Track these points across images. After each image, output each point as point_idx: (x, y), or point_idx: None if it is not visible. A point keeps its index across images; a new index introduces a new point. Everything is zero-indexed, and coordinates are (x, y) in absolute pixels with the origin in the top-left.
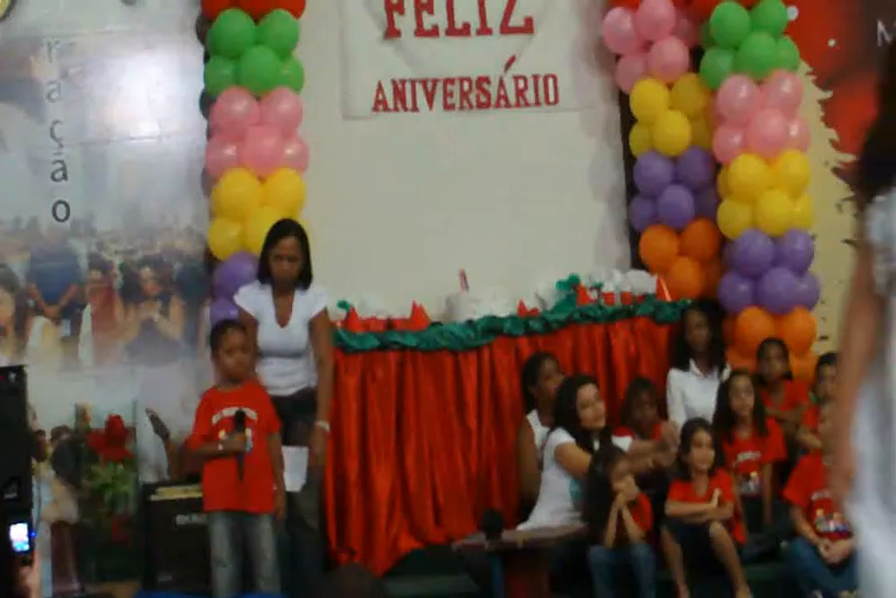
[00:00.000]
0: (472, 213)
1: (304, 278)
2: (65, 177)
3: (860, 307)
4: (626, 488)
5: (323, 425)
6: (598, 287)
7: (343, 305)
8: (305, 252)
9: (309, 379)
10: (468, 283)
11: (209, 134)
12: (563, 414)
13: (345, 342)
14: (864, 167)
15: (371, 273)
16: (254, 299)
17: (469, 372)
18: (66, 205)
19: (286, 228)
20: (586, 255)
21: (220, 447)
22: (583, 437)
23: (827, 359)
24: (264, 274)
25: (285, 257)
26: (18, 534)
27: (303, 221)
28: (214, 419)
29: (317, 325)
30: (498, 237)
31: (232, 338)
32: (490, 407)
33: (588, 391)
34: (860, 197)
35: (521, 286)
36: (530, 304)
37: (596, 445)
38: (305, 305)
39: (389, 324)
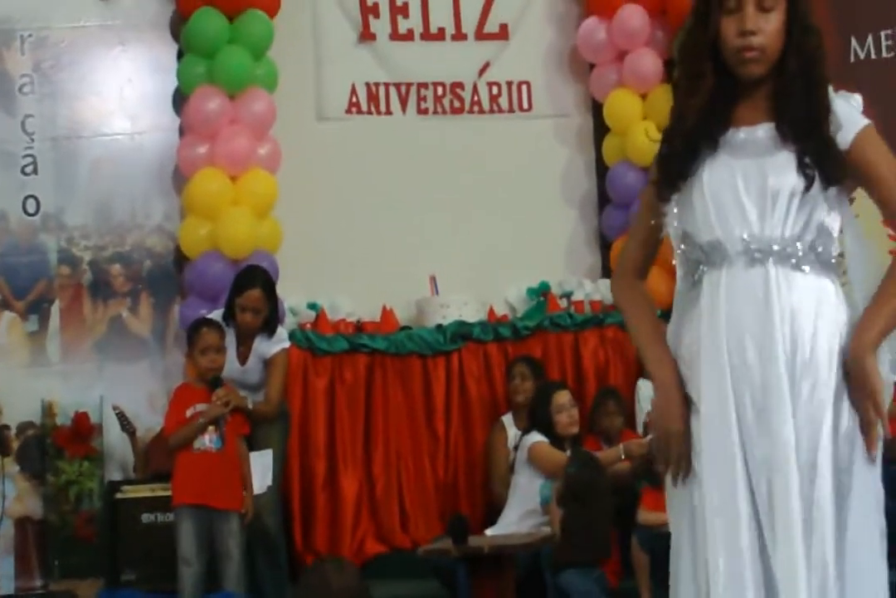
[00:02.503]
0: (444, 218)
1: (268, 329)
2: (35, 171)
3: (627, 286)
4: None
5: (248, 401)
6: (568, 295)
7: (313, 306)
8: (272, 302)
9: None
10: (438, 288)
11: (181, 132)
12: (537, 419)
13: (314, 344)
14: (661, 162)
15: (342, 275)
16: None
17: (438, 377)
18: (37, 199)
19: (252, 279)
20: (557, 263)
21: (202, 419)
22: (556, 442)
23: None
24: (228, 318)
25: (249, 309)
26: None
27: (274, 221)
28: (188, 413)
29: (271, 363)
30: (469, 243)
31: (207, 337)
32: (458, 412)
33: (562, 397)
34: (659, 193)
35: (491, 292)
36: (500, 310)
37: (568, 451)
38: (265, 345)
39: (359, 327)
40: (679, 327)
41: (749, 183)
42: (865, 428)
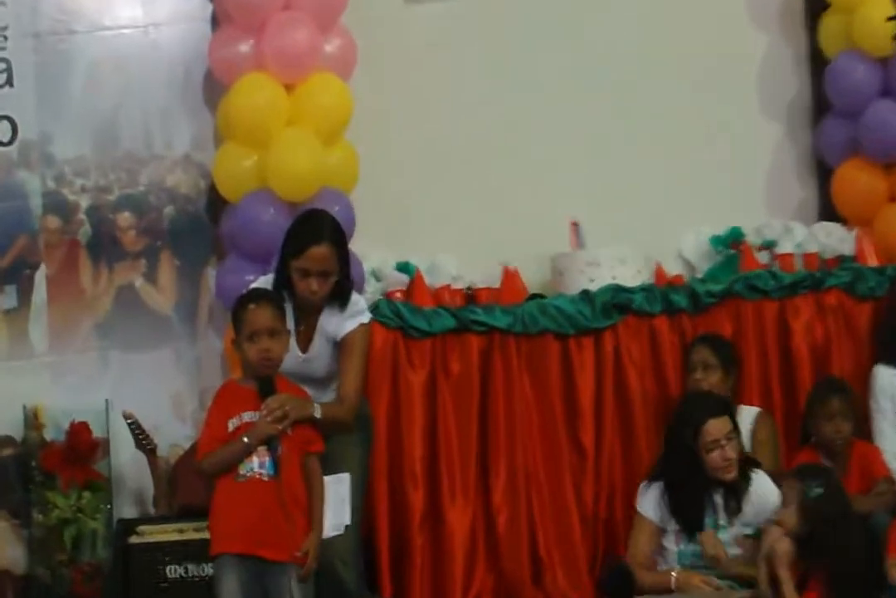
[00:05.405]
0: (589, 139)
1: (338, 299)
2: (9, 82)
3: None
4: (776, 542)
5: (315, 408)
6: (770, 246)
7: (404, 268)
8: (344, 262)
9: None
10: (583, 238)
11: (215, 22)
12: (676, 454)
13: (406, 322)
14: None
15: (444, 225)
16: None
17: (584, 366)
18: (12, 122)
19: (315, 231)
20: (753, 200)
21: (246, 439)
22: (700, 489)
23: None
24: (282, 286)
25: (313, 273)
26: None
27: (347, 146)
28: (231, 425)
29: (345, 347)
30: (625, 174)
31: (255, 318)
32: (614, 416)
33: (716, 428)
34: None
35: (658, 244)
36: (672, 269)
37: (718, 498)
38: (336, 321)
39: (470, 296)
40: None
41: None
42: None
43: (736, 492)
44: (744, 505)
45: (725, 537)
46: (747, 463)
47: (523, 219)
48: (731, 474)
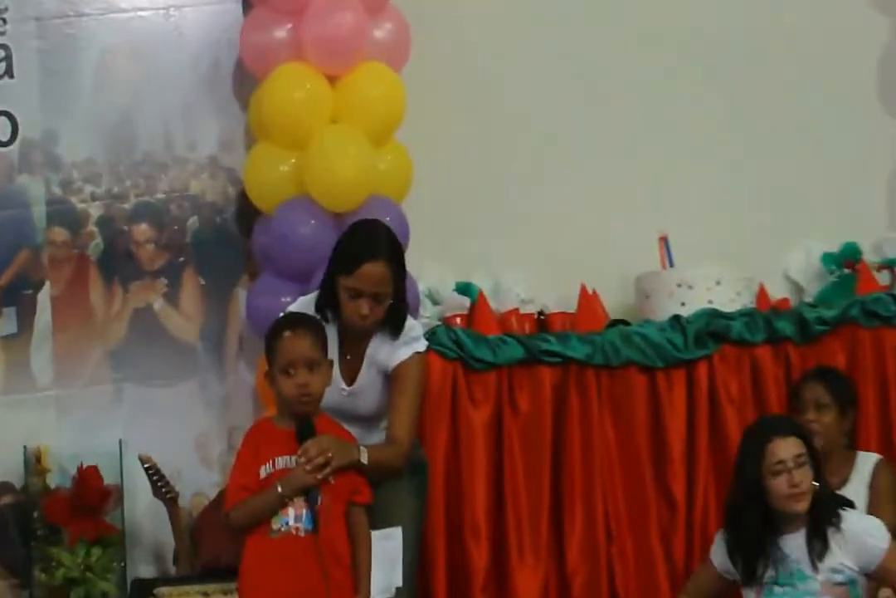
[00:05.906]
0: (680, 141)
1: (391, 324)
2: (9, 72)
3: None
4: None
5: (361, 451)
6: (890, 265)
7: (466, 289)
8: (400, 282)
9: None
10: (673, 256)
11: (247, 4)
12: (738, 484)
13: (467, 351)
14: None
15: (511, 239)
16: None
17: (674, 402)
18: (12, 118)
19: (369, 245)
20: (870, 211)
21: (280, 488)
22: (760, 524)
23: None
24: (327, 305)
25: (366, 294)
26: None
27: (400, 149)
28: (263, 472)
29: (398, 379)
30: (721, 181)
31: (291, 348)
32: (708, 460)
33: (784, 447)
34: None
35: (760, 262)
36: (777, 291)
37: (799, 540)
38: (387, 350)
39: (542, 322)
40: None
41: None
42: None
43: (820, 531)
44: (833, 547)
45: (814, 586)
46: (835, 500)
47: (603, 232)
48: (801, 505)
